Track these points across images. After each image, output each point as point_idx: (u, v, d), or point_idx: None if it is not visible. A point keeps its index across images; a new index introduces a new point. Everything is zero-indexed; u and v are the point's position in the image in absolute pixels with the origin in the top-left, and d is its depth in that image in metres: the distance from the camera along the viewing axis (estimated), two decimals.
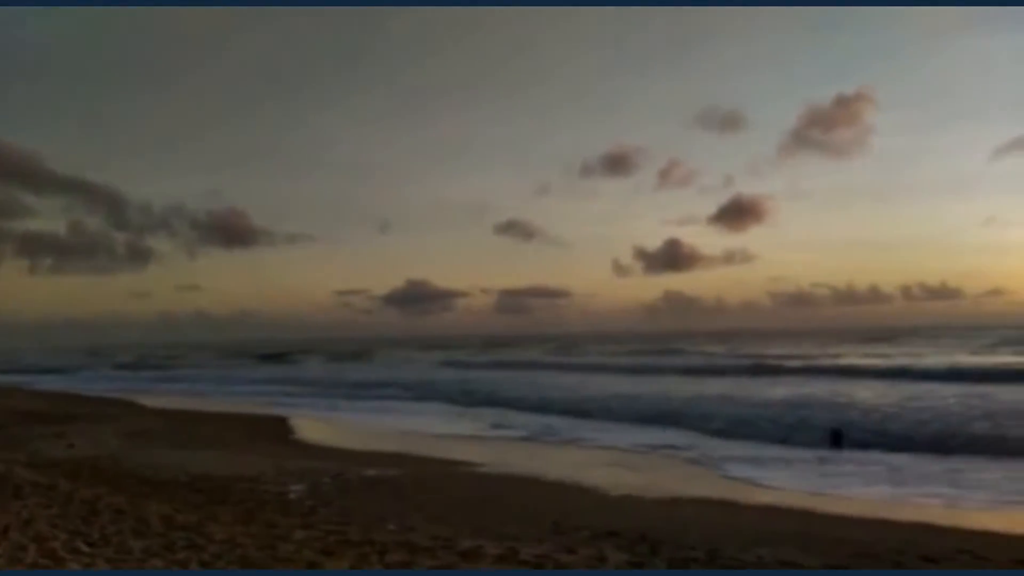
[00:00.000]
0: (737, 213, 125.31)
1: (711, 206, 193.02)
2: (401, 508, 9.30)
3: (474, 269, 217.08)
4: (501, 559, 6.80)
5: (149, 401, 29.73)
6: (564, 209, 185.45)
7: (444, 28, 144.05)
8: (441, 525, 8.24)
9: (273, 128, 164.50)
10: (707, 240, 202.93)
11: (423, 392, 31.60)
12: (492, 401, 26.46)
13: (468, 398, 28.01)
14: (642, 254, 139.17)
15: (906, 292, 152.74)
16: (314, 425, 21.43)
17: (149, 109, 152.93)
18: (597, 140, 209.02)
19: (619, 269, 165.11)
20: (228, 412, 25.40)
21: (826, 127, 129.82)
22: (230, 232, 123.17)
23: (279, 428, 20.69)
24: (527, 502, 9.99)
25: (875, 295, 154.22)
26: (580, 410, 22.55)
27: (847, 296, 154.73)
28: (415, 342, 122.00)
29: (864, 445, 15.00)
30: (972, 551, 7.32)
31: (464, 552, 7.01)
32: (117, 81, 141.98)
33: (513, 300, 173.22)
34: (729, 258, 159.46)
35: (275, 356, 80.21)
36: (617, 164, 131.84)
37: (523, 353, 70.69)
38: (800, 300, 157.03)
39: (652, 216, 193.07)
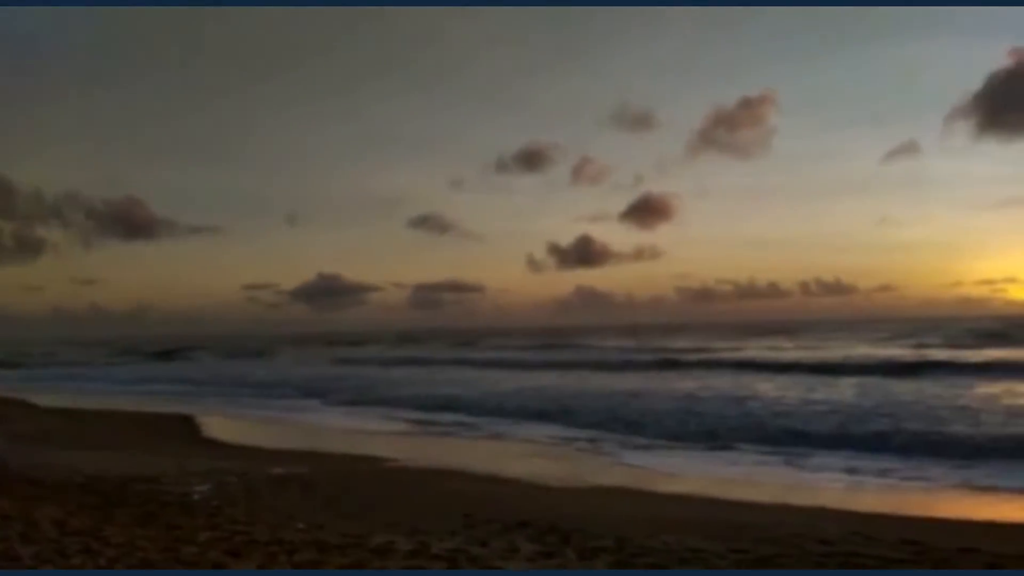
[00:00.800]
0: (646, 211, 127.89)
1: (622, 203, 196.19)
2: (310, 506, 9.12)
3: (387, 263, 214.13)
4: (413, 554, 6.75)
5: (39, 399, 28.19)
6: (479, 204, 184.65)
7: (361, 22, 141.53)
8: (351, 522, 8.12)
9: (178, 116, 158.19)
10: (618, 237, 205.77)
11: (311, 391, 29.86)
12: (384, 400, 25.21)
13: (362, 396, 26.74)
14: (555, 250, 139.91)
15: (804, 287, 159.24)
16: (219, 423, 20.78)
17: (43, 92, 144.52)
18: (512, 136, 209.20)
19: (533, 264, 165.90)
20: (124, 410, 24.35)
21: (731, 128, 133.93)
22: (129, 223, 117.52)
23: (180, 427, 19.97)
24: (438, 496, 9.95)
25: (775, 290, 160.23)
26: (482, 407, 21.76)
27: (748, 291, 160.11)
28: (325, 338, 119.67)
29: (766, 439, 15.46)
30: (863, 532, 7.71)
31: (375, 548, 6.92)
32: (6, 64, 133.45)
33: (427, 295, 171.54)
34: (639, 254, 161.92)
35: (165, 353, 75.86)
36: (532, 160, 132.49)
37: (431, 348, 69.77)
38: (705, 295, 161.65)
39: (565, 212, 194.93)
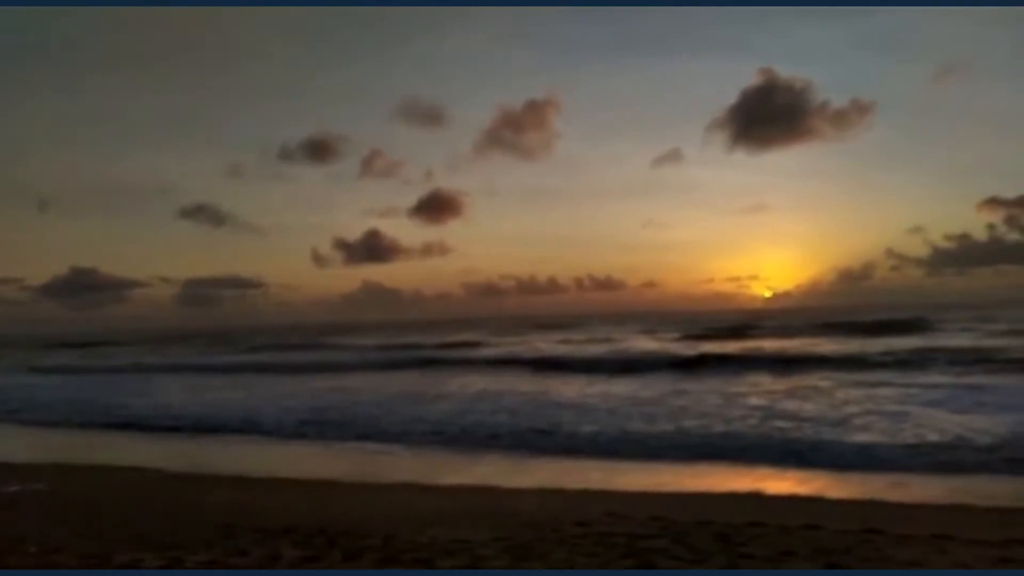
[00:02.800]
0: (436, 207, 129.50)
1: (412, 199, 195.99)
2: (46, 526, 8.22)
3: (154, 257, 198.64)
4: (163, 570, 6.30)
5: None
6: (260, 194, 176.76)
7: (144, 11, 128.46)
8: (93, 541, 7.42)
9: None
10: (407, 232, 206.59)
11: None
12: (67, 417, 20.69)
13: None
14: (342, 244, 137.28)
15: (579, 283, 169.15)
16: None
17: None
18: (297, 125, 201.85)
19: (318, 259, 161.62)
20: None
21: (517, 129, 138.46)
22: None
23: None
24: (197, 506, 9.36)
25: (554, 286, 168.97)
26: (234, 419, 18.83)
27: (530, 286, 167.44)
28: (78, 338, 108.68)
29: (543, 433, 16.09)
30: (618, 512, 8.25)
31: (120, 567, 6.38)
32: None
33: (199, 291, 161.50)
34: (427, 250, 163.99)
35: None
36: (318, 151, 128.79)
37: (191, 350, 62.25)
38: (490, 291, 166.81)
39: (353, 206, 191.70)
